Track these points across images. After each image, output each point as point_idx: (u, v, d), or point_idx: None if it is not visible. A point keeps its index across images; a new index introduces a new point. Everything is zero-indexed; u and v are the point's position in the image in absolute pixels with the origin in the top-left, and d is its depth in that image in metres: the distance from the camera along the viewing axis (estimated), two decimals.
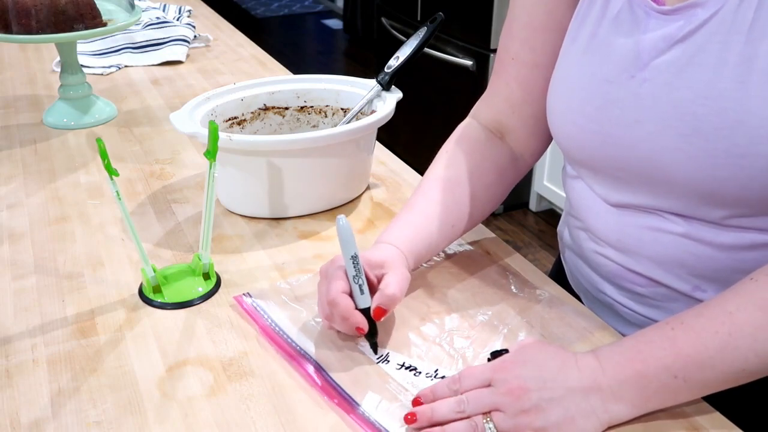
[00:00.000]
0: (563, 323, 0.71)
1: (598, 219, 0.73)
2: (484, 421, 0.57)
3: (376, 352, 0.66)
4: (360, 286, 0.65)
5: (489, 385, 0.59)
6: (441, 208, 0.76)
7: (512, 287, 0.76)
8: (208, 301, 0.74)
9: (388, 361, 0.65)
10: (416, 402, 0.60)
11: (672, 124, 0.62)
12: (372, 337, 0.66)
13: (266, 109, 1.01)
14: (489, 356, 0.64)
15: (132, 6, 1.21)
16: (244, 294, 0.75)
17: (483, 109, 0.83)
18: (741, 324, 0.56)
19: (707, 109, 0.59)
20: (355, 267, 0.64)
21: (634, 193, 0.68)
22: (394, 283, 0.66)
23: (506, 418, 0.57)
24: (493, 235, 0.87)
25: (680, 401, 0.59)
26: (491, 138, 0.81)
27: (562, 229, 0.85)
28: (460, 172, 0.78)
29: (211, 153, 0.71)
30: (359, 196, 0.95)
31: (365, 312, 0.65)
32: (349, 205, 0.93)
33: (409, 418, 0.58)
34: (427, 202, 0.76)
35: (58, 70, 1.33)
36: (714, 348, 0.57)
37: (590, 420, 0.57)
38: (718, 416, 0.60)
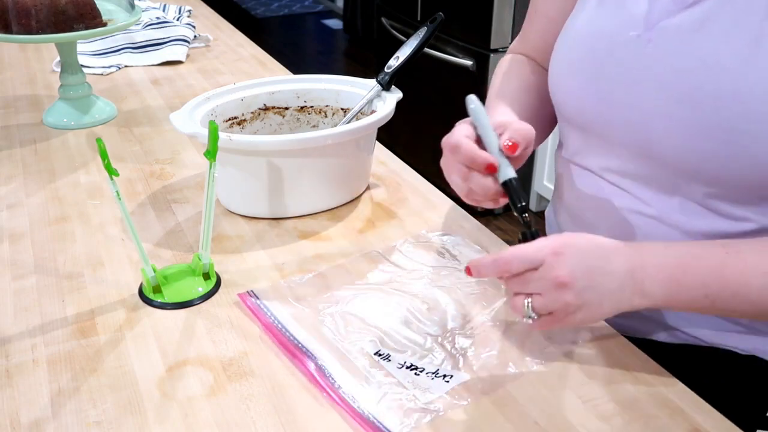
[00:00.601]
0: None
1: (578, 197, 0.75)
2: (525, 303, 0.59)
3: (528, 225, 0.63)
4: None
5: (536, 268, 0.59)
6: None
7: None
8: (208, 301, 0.74)
9: (390, 360, 0.65)
10: (468, 271, 0.62)
11: (669, 88, 0.62)
12: (517, 205, 0.63)
13: (266, 109, 1.01)
14: (520, 237, 0.63)
15: (132, 6, 1.21)
16: (248, 292, 0.75)
17: (517, 46, 0.89)
18: None
19: (706, 78, 0.60)
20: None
21: (618, 156, 0.69)
22: (518, 122, 0.66)
23: (545, 303, 0.59)
24: (493, 235, 0.87)
25: (697, 311, 0.62)
26: (536, 66, 0.85)
27: (549, 212, 0.86)
28: (523, 87, 0.82)
29: (211, 153, 0.71)
30: (359, 196, 0.95)
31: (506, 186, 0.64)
32: (349, 205, 0.93)
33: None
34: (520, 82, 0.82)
35: (58, 70, 1.33)
36: (756, 286, 0.58)
37: (614, 307, 0.60)
38: (718, 416, 0.60)
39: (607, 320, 0.74)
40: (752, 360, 0.72)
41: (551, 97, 0.76)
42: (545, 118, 0.82)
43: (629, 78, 0.65)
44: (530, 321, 0.60)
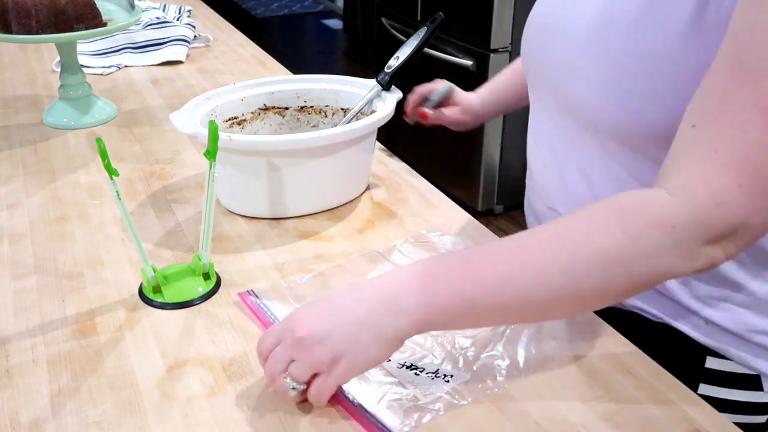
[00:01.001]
0: (565, 321, 0.71)
1: (534, 161, 0.81)
2: (284, 377, 0.58)
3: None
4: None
5: (280, 341, 0.59)
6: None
7: None
8: (208, 301, 0.74)
9: (390, 360, 0.65)
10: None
11: (584, 40, 0.67)
12: None
13: (266, 109, 1.01)
14: None
15: (132, 6, 1.21)
16: (248, 291, 0.75)
17: None
18: (532, 252, 0.56)
19: (610, 35, 0.65)
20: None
21: (551, 114, 0.75)
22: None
23: (299, 367, 0.57)
24: (494, 235, 0.87)
25: (471, 324, 0.60)
26: None
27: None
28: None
29: (211, 153, 0.71)
30: (359, 196, 0.95)
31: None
32: (349, 205, 0.93)
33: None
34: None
35: (58, 70, 1.33)
36: (501, 273, 0.56)
37: (376, 340, 0.56)
38: (717, 416, 0.60)
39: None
40: (664, 328, 0.73)
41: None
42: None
43: (555, 27, 0.72)
44: (297, 394, 0.58)
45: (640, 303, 0.74)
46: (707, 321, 0.71)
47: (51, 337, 0.69)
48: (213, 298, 0.75)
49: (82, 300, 0.75)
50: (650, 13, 0.62)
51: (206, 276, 0.76)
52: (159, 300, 0.74)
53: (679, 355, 0.73)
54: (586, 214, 0.57)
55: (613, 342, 0.68)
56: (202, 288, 0.75)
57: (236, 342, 0.68)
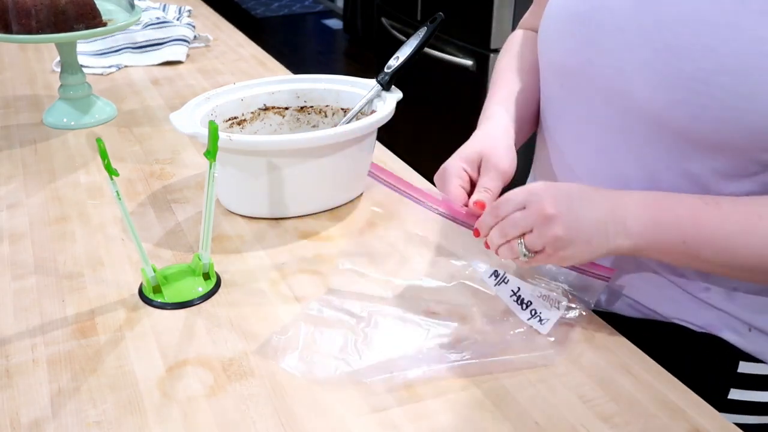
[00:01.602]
0: (563, 321, 0.71)
1: (556, 157, 0.79)
2: (518, 243, 0.64)
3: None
4: None
5: (524, 207, 0.64)
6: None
7: None
8: (208, 300, 0.74)
9: (506, 282, 0.73)
10: (476, 233, 0.69)
11: (650, 38, 0.64)
12: None
13: (266, 109, 1.01)
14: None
15: (132, 6, 1.21)
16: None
17: (528, 18, 0.92)
18: (764, 226, 0.60)
19: (687, 30, 0.62)
20: None
21: (597, 107, 0.71)
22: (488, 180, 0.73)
23: (536, 239, 0.63)
24: None
25: (673, 262, 0.67)
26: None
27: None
28: (533, 61, 0.85)
29: (211, 153, 0.71)
30: (359, 196, 0.95)
31: None
32: (349, 205, 0.93)
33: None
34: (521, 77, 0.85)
35: (58, 70, 1.33)
36: (728, 233, 0.61)
37: (601, 245, 0.63)
38: (718, 416, 0.60)
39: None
40: (707, 338, 0.73)
41: (538, 47, 0.79)
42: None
43: (614, 24, 0.68)
44: (525, 260, 0.65)
45: (682, 314, 0.74)
46: (751, 328, 0.71)
47: (51, 337, 0.69)
48: (213, 298, 0.75)
49: (82, 300, 0.75)
50: (745, 3, 0.59)
51: (206, 276, 0.76)
52: (159, 300, 0.74)
53: (713, 362, 0.73)
54: None
55: (613, 342, 0.68)
56: (202, 288, 0.75)
57: (236, 342, 0.68)
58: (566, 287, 0.72)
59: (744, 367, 0.73)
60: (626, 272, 0.75)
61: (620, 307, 0.78)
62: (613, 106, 0.69)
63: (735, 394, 0.73)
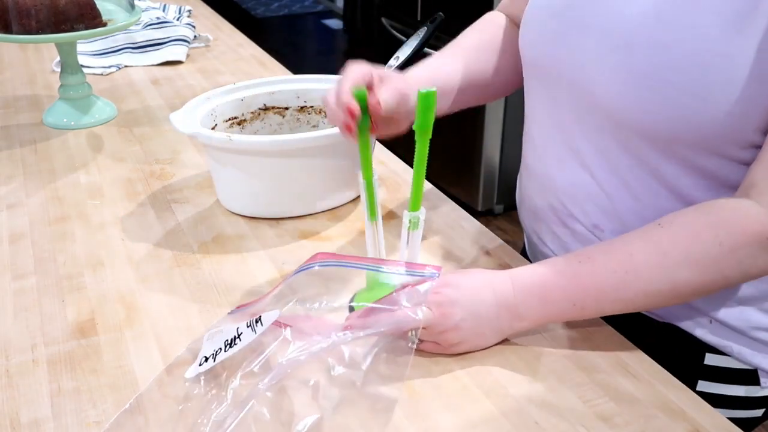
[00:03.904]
0: (564, 322, 0.71)
1: (538, 154, 0.79)
2: (410, 333, 0.63)
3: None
4: None
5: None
6: (463, 62, 0.84)
7: None
8: (208, 300, 0.74)
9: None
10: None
11: (610, 34, 0.66)
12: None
13: (266, 109, 1.00)
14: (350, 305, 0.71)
15: (132, 6, 1.21)
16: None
17: (505, 2, 0.91)
18: (638, 265, 0.62)
19: (642, 26, 0.63)
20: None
21: (569, 108, 0.72)
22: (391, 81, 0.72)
23: (427, 335, 0.64)
24: (494, 235, 0.87)
25: (570, 319, 0.69)
26: (511, 24, 0.87)
27: (519, 178, 0.89)
28: (484, 40, 0.86)
29: (422, 126, 0.64)
30: (359, 196, 0.95)
31: None
32: (349, 205, 0.93)
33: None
34: (452, 56, 0.84)
35: (58, 70, 1.33)
36: (610, 284, 0.63)
37: (496, 334, 0.66)
38: (718, 416, 0.60)
39: None
40: (670, 328, 0.75)
41: (520, 47, 0.79)
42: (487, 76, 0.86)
43: (581, 22, 0.69)
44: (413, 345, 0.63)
45: None
46: (712, 320, 0.72)
47: (51, 337, 0.69)
48: (213, 298, 0.75)
49: (82, 300, 0.75)
50: (701, 3, 0.60)
51: None
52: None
53: (679, 354, 0.73)
54: (684, 227, 0.62)
55: (613, 342, 0.68)
56: None
57: None
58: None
59: (710, 359, 0.74)
60: None
61: None
62: (580, 103, 0.71)
63: (703, 386, 0.74)
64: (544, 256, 0.82)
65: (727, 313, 0.72)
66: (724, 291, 0.71)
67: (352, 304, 0.72)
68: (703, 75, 0.60)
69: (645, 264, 0.62)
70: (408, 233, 0.68)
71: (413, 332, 0.62)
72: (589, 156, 0.72)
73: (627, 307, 0.65)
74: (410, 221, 0.68)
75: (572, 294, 0.64)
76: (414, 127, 0.65)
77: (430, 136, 0.64)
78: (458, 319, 0.63)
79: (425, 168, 0.66)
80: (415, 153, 0.65)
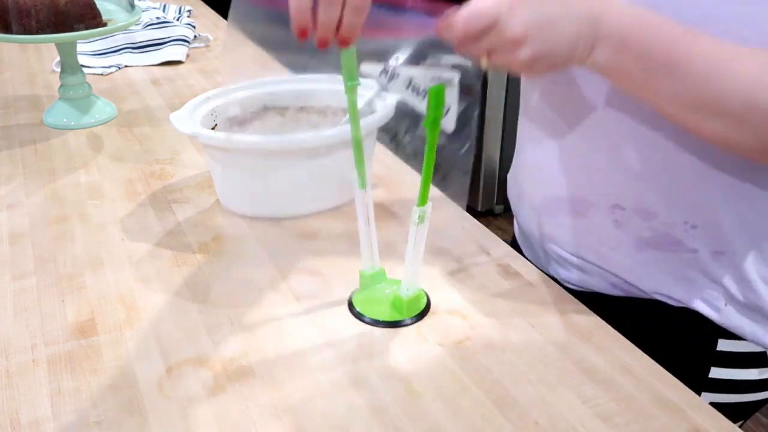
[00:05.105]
0: (564, 322, 0.71)
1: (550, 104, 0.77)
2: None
3: None
4: None
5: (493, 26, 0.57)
6: None
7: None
8: (208, 301, 0.74)
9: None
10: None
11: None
12: None
13: (266, 109, 1.01)
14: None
15: (132, 6, 1.21)
16: None
17: None
18: (748, 65, 0.57)
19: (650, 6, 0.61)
20: None
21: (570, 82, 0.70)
22: None
23: (498, 60, 0.58)
24: (494, 235, 0.87)
25: (644, 91, 0.60)
26: None
27: (510, 174, 0.89)
28: None
29: (433, 121, 0.63)
30: None
31: None
32: (349, 204, 0.93)
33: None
34: None
35: (58, 70, 1.33)
36: (713, 60, 0.57)
37: (572, 45, 0.58)
38: (718, 416, 0.60)
39: (550, 275, 0.74)
40: (685, 312, 0.75)
41: None
42: None
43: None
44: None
45: (661, 288, 0.76)
46: (727, 302, 0.73)
47: (51, 337, 0.69)
48: (213, 298, 0.75)
49: (82, 300, 0.75)
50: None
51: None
52: (369, 317, 0.71)
53: (692, 341, 0.74)
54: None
55: (613, 342, 0.68)
56: (415, 308, 0.72)
57: (236, 342, 0.68)
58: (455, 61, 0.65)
59: (723, 345, 0.74)
60: (608, 247, 0.77)
61: (601, 286, 0.80)
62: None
63: (715, 373, 0.75)
64: (549, 255, 0.82)
65: (740, 291, 0.72)
66: (740, 267, 0.71)
67: (354, 305, 0.72)
68: None
69: (753, 68, 0.57)
70: (416, 228, 0.68)
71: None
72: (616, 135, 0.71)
73: (702, 98, 0.59)
74: (419, 216, 0.68)
75: (672, 34, 0.58)
76: (424, 124, 0.63)
77: (439, 131, 0.64)
78: (531, 38, 0.57)
79: (434, 163, 0.65)
80: (426, 148, 0.64)
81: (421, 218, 0.67)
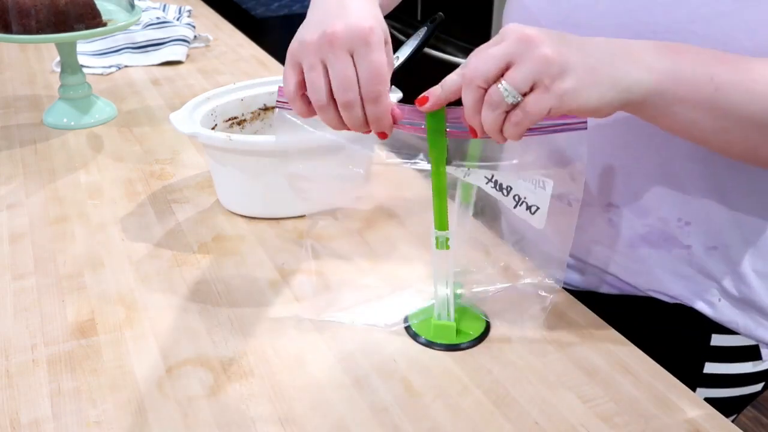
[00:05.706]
0: (564, 322, 0.71)
1: None
2: (499, 86, 0.50)
3: None
4: None
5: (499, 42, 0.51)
6: None
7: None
8: (208, 301, 0.74)
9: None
10: (422, 101, 0.59)
11: (613, 15, 0.65)
12: None
13: (266, 109, 1.00)
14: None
15: (132, 6, 1.21)
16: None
17: None
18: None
19: (643, 8, 0.62)
20: None
21: None
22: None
23: (520, 68, 0.49)
24: (494, 235, 0.87)
25: (693, 113, 0.54)
26: None
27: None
28: None
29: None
30: (359, 196, 0.95)
31: None
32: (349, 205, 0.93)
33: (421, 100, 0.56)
34: None
35: (58, 70, 1.33)
36: (759, 68, 0.53)
37: (610, 77, 0.51)
38: (718, 416, 0.60)
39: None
40: (679, 309, 0.75)
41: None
42: None
43: (590, 25, 0.67)
44: (510, 105, 0.51)
45: (656, 285, 0.76)
46: (721, 297, 0.73)
47: (51, 337, 0.69)
48: (214, 298, 0.75)
49: (82, 300, 0.75)
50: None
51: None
52: (425, 337, 0.68)
53: (686, 337, 0.75)
54: None
55: (613, 342, 0.68)
56: (473, 331, 0.69)
57: (236, 342, 0.68)
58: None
59: (716, 340, 0.75)
60: (602, 246, 0.77)
61: (596, 285, 0.80)
62: None
63: (710, 368, 0.75)
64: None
65: (734, 286, 0.73)
66: (734, 261, 0.71)
67: (409, 324, 0.70)
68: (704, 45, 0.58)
69: None
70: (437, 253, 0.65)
71: (503, 86, 0.50)
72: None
73: (759, 122, 0.54)
74: (436, 239, 0.65)
75: (709, 64, 0.53)
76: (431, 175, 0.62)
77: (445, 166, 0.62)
78: (548, 38, 0.50)
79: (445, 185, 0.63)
80: (432, 182, 0.62)
81: (443, 244, 0.64)
